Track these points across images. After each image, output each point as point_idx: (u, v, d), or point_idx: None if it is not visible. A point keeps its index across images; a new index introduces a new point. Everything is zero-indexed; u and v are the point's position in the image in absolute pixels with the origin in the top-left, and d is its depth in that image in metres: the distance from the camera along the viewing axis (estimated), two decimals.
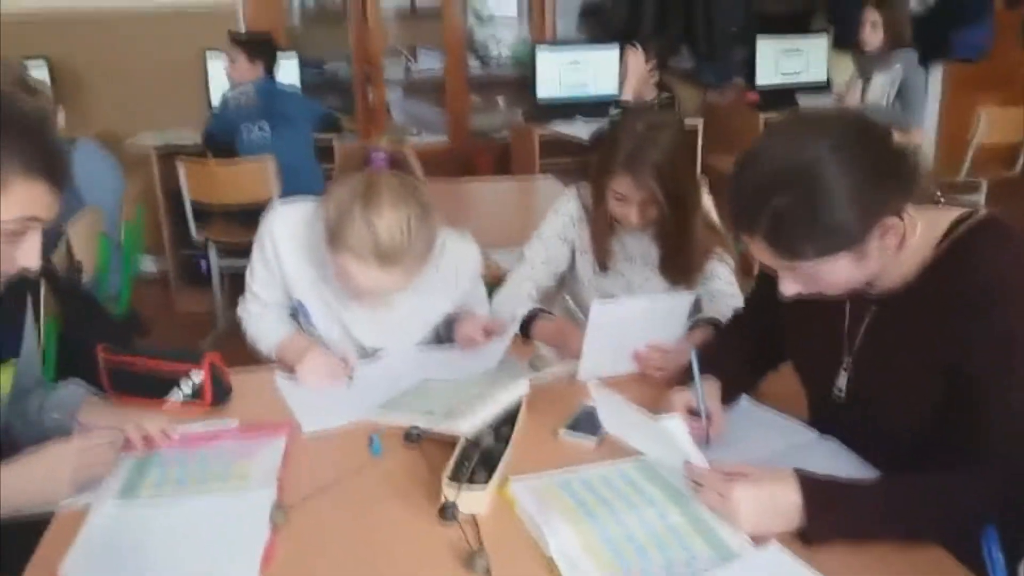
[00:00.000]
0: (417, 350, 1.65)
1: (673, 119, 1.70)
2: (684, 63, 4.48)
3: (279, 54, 4.14)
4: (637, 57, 3.60)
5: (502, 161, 4.73)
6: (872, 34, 3.69)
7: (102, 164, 2.80)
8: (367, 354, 1.62)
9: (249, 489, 1.18)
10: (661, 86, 3.74)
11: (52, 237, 2.18)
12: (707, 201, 1.85)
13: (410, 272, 1.42)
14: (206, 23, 4.19)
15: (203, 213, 3.69)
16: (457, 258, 1.63)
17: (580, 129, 4.11)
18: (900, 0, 3.87)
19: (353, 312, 1.59)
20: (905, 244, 1.08)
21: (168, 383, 1.40)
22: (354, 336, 1.62)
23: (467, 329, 1.61)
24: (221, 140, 3.67)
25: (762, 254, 1.09)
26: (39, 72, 4.05)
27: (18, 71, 2.33)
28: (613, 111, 3.68)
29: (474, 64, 4.79)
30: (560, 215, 1.85)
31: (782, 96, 4.46)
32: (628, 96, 3.64)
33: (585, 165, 1.78)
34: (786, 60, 4.54)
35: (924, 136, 4.01)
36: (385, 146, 1.45)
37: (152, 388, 1.41)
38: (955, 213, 1.13)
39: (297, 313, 1.63)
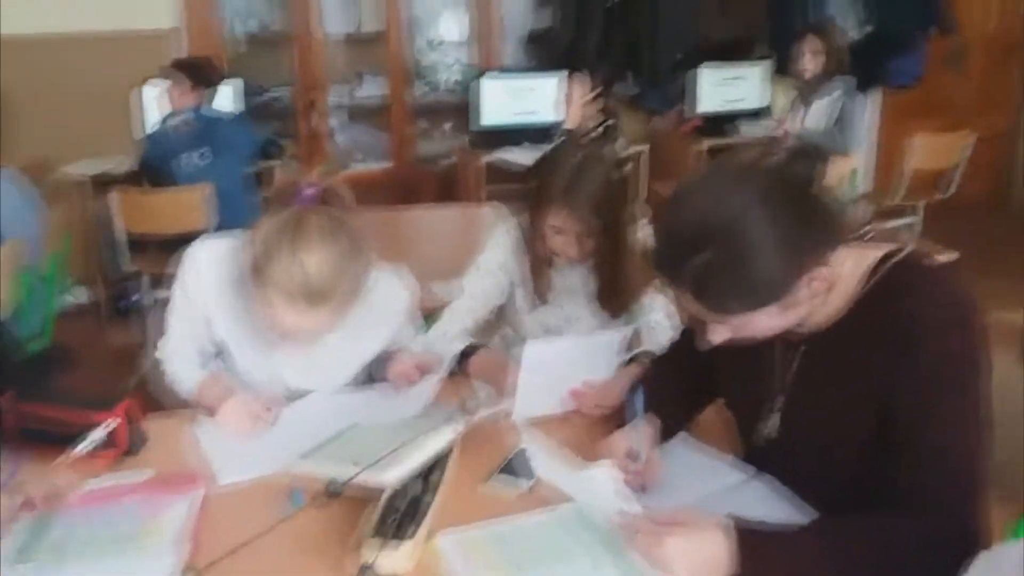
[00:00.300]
0: (348, 390, 1.59)
1: (608, 152, 1.69)
2: (628, 89, 4.51)
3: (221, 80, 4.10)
4: (579, 85, 3.63)
5: (447, 187, 4.69)
6: (811, 61, 3.76)
7: (20, 197, 2.69)
8: (295, 396, 1.55)
9: (160, 549, 1.11)
10: (605, 112, 3.76)
11: None
12: (648, 231, 1.83)
13: (339, 311, 1.37)
14: (144, 49, 4.07)
15: (137, 243, 3.57)
16: (390, 294, 1.58)
17: (525, 155, 4.10)
18: (838, 29, 3.96)
19: (280, 352, 1.52)
20: (833, 286, 1.07)
21: (78, 433, 1.32)
22: (281, 377, 1.56)
23: (400, 367, 1.56)
24: (158, 167, 3.57)
25: (688, 306, 1.07)
26: None
27: None
28: (557, 139, 3.69)
29: (420, 90, 4.75)
30: (498, 247, 1.82)
31: (723, 122, 4.52)
32: (570, 124, 3.66)
33: (526, 196, 1.74)
34: (728, 87, 4.60)
35: (861, 161, 4.08)
36: (316, 180, 1.40)
37: (61, 439, 1.32)
38: (883, 250, 1.12)
39: (220, 353, 1.56)
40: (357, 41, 4.67)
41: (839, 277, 1.07)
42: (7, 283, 2.44)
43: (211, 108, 3.64)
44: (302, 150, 4.56)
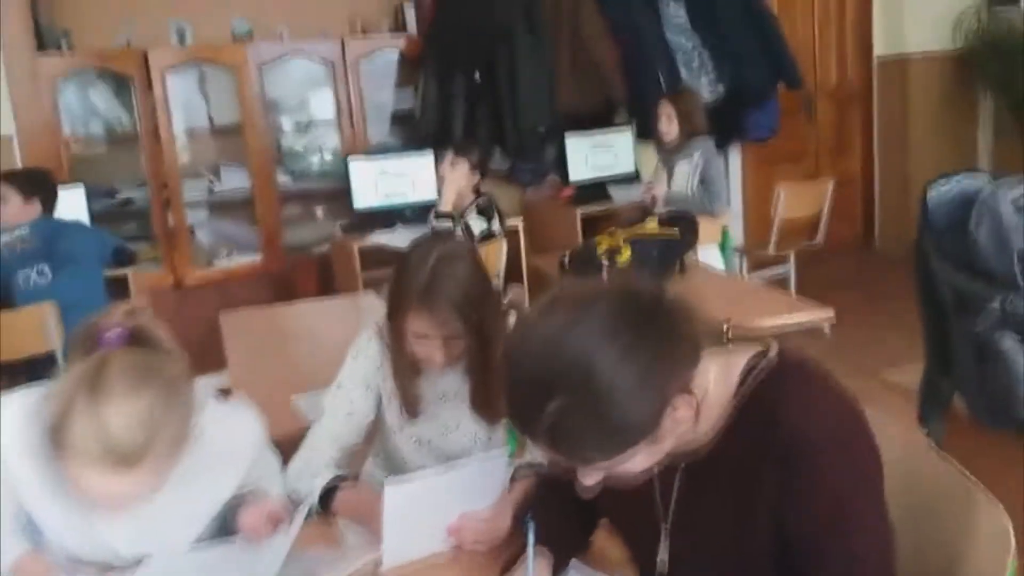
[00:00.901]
0: (192, 551, 1.38)
1: (464, 246, 1.58)
2: (498, 164, 4.49)
3: (61, 187, 3.81)
4: (451, 168, 3.56)
5: (324, 278, 4.51)
6: (668, 126, 3.83)
7: None
8: (128, 565, 1.33)
9: None
10: (478, 190, 3.69)
11: None
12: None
13: (158, 471, 1.19)
14: None
15: None
16: (231, 433, 1.40)
17: (399, 238, 3.99)
18: (691, 92, 4.06)
19: (104, 516, 1.31)
20: (699, 411, 0.97)
21: None
22: (111, 548, 1.34)
23: (249, 519, 1.37)
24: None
25: (548, 456, 0.96)
26: None
27: None
28: (433, 221, 3.59)
29: (284, 177, 4.58)
30: (360, 360, 1.66)
31: (595, 190, 4.56)
32: (446, 205, 3.58)
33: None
34: (596, 155, 4.65)
35: (730, 217, 4.16)
36: (121, 319, 1.22)
37: None
38: (747, 354, 1.04)
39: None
40: (212, 132, 4.47)
41: (705, 396, 0.98)
42: None
43: (51, 219, 3.36)
44: (162, 250, 4.30)
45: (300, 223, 4.73)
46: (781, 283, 4.31)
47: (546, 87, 4.37)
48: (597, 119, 4.62)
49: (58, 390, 1.17)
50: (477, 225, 3.61)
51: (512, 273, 3.88)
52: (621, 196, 4.51)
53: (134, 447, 1.13)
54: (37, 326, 3.10)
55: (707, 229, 3.67)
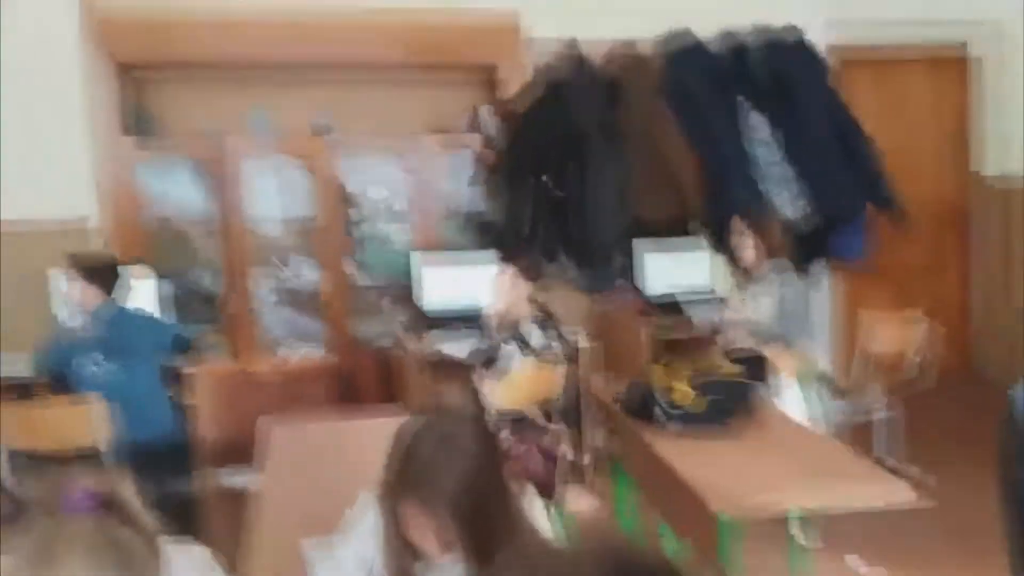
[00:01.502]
0: None
1: (469, 428, 1.42)
2: (564, 273, 4.36)
3: (135, 271, 3.88)
4: (504, 280, 3.45)
5: (387, 371, 4.44)
6: (745, 248, 3.63)
7: None
8: None
9: None
10: (540, 303, 3.55)
11: None
12: (538, 508, 1.56)
13: None
14: (56, 238, 3.86)
15: (27, 460, 3.23)
16: None
17: (462, 346, 3.87)
18: (772, 212, 3.87)
19: None
20: None
21: None
22: None
23: None
24: (55, 374, 3.31)
25: None
26: None
27: None
28: (483, 343, 3.47)
29: (353, 271, 4.57)
30: (355, 533, 1.52)
31: (668, 303, 4.36)
32: (498, 314, 3.46)
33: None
34: (670, 267, 4.49)
35: (815, 348, 3.87)
36: (90, 483, 1.12)
37: None
38: None
39: None
40: (285, 222, 4.52)
41: None
42: None
43: (112, 306, 3.36)
44: (227, 337, 4.31)
45: (367, 316, 4.69)
46: (867, 428, 3.97)
47: (618, 195, 4.24)
48: (671, 231, 4.46)
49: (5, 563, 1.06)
50: (536, 340, 3.46)
51: (574, 395, 3.71)
52: (699, 314, 4.28)
53: None
54: (81, 419, 3.09)
55: (785, 362, 3.43)
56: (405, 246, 4.60)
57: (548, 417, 3.50)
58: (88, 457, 3.11)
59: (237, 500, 4.06)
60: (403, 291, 4.58)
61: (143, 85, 4.35)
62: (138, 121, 4.21)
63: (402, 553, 1.44)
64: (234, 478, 4.23)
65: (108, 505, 1.12)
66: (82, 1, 3.98)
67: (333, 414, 4.25)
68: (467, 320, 4.13)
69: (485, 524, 1.34)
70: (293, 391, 4.38)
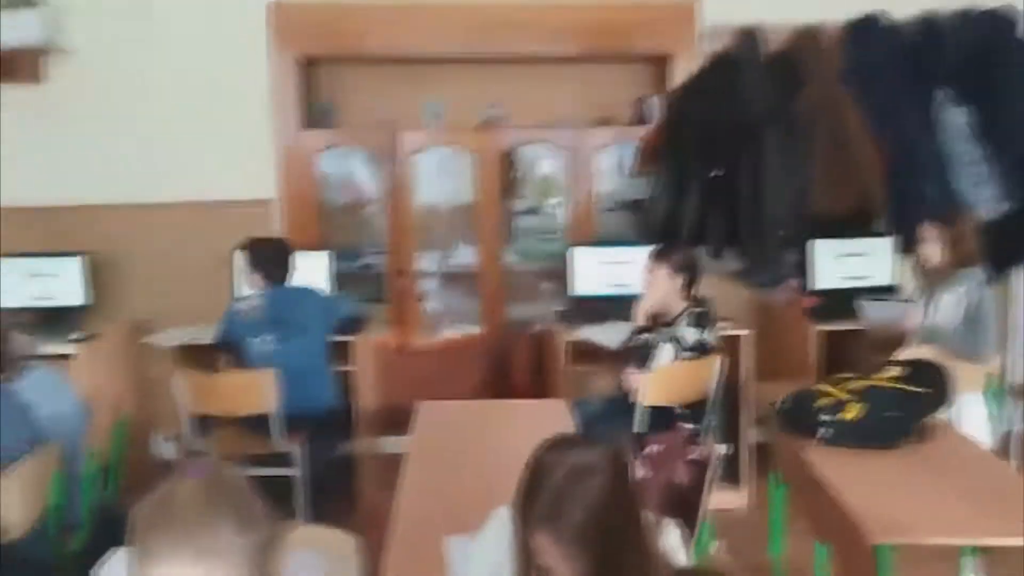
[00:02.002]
0: None
1: (603, 457, 1.35)
2: (729, 264, 4.18)
3: (311, 251, 4.11)
4: (656, 275, 3.35)
5: (537, 355, 4.48)
6: (933, 251, 3.32)
7: (62, 393, 2.66)
8: None
9: None
10: (695, 297, 3.43)
11: None
12: (675, 538, 1.49)
13: (231, 557, 1.17)
14: (242, 218, 4.17)
15: (206, 422, 3.52)
16: None
17: (609, 335, 3.83)
18: (966, 214, 3.51)
19: None
20: None
21: None
22: None
23: None
24: (232, 348, 3.56)
25: None
26: (72, 268, 4.12)
27: None
28: (633, 336, 3.40)
29: (511, 256, 4.63)
30: (489, 547, 1.52)
31: (841, 301, 4.07)
32: (641, 320, 3.38)
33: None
34: (846, 262, 4.19)
35: (1003, 360, 3.51)
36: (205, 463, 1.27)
37: None
38: None
39: None
40: (450, 209, 4.63)
41: None
42: (36, 491, 2.38)
43: (284, 288, 3.57)
44: (392, 314, 4.50)
45: (522, 301, 4.74)
46: None
47: (794, 187, 4.00)
48: (850, 226, 4.16)
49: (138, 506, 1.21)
50: (691, 335, 3.35)
51: (728, 394, 3.57)
52: (875, 314, 3.98)
53: (203, 524, 1.16)
54: (258, 389, 3.32)
55: (970, 375, 3.13)
56: (563, 234, 4.60)
57: (698, 417, 3.40)
58: (257, 421, 3.36)
59: (393, 465, 4.28)
60: (558, 278, 4.60)
61: (323, 78, 4.57)
62: (317, 112, 4.44)
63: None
64: (391, 445, 4.44)
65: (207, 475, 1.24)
66: (269, 2, 4.23)
67: (482, 395, 4.37)
68: (619, 310, 4.10)
69: (615, 558, 1.29)
70: (448, 368, 4.52)
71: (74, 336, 3.87)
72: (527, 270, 4.69)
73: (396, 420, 4.42)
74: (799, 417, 2.55)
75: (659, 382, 3.24)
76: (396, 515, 2.13)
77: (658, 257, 3.40)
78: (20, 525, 2.27)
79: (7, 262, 4.07)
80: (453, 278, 4.69)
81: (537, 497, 1.30)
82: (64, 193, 4.27)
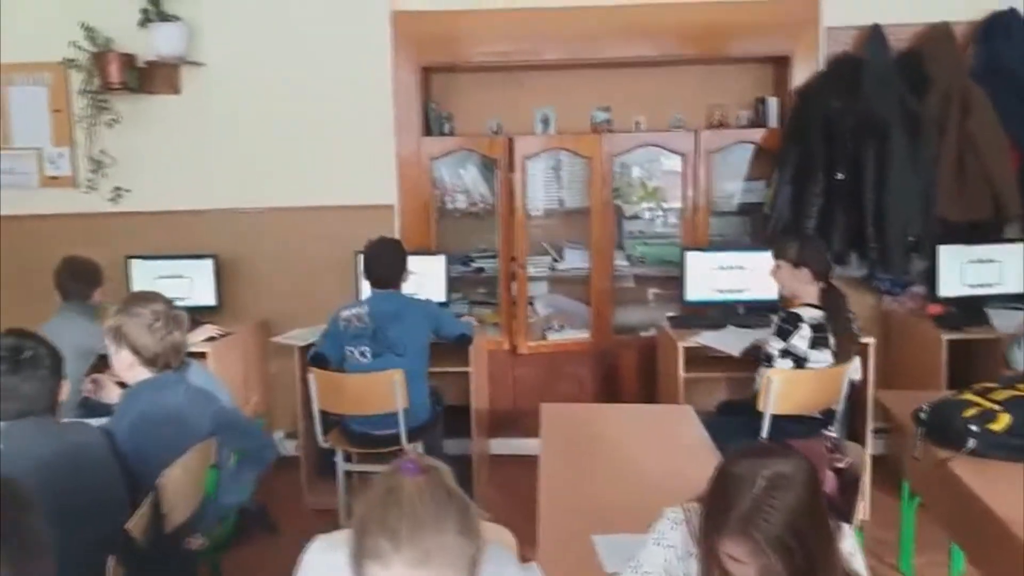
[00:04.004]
0: None
1: (801, 467, 1.37)
2: (853, 270, 4.08)
3: (426, 253, 4.21)
4: (779, 271, 3.32)
5: (646, 361, 4.46)
6: None
7: (214, 387, 2.80)
8: None
9: None
10: (826, 298, 3.35)
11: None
12: (850, 544, 1.48)
13: (454, 559, 1.16)
14: (365, 223, 4.25)
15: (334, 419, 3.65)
16: None
17: (728, 341, 3.80)
18: None
19: None
20: None
21: None
22: None
23: None
24: (329, 357, 3.59)
25: None
26: (205, 269, 4.34)
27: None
28: (778, 317, 3.34)
29: (622, 261, 4.62)
30: (662, 547, 1.54)
31: (969, 309, 3.93)
32: (773, 321, 3.33)
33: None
34: (975, 269, 4.04)
35: None
36: (416, 459, 1.25)
37: None
38: None
39: None
40: (560, 214, 4.66)
41: None
42: (199, 479, 2.51)
43: (393, 297, 3.55)
44: (503, 318, 4.56)
45: (631, 306, 4.73)
46: None
47: (921, 192, 3.88)
48: (980, 232, 4.01)
49: (354, 518, 1.21)
50: (815, 341, 3.28)
51: (855, 407, 3.48)
52: (1004, 322, 3.83)
53: (421, 535, 1.14)
54: (384, 389, 3.41)
55: None
56: (675, 239, 4.57)
57: (826, 424, 3.34)
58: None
59: (501, 465, 4.35)
60: (670, 282, 4.57)
61: (437, 85, 4.68)
62: (433, 119, 4.55)
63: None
64: (499, 446, 4.50)
65: (431, 476, 1.23)
66: (392, 14, 4.35)
67: (589, 399, 4.38)
68: (734, 316, 4.06)
69: (809, 564, 1.31)
70: (556, 372, 4.55)
71: (207, 335, 4.06)
72: (637, 275, 4.68)
73: (504, 422, 4.51)
74: (945, 427, 2.47)
75: (788, 388, 3.19)
76: (540, 512, 2.17)
77: (776, 252, 3.38)
78: (182, 513, 2.40)
79: (142, 264, 4.31)
80: (563, 282, 4.73)
81: (734, 504, 1.32)
82: (195, 198, 4.49)
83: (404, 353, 3.47)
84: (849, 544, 1.48)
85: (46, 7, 4.39)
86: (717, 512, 1.36)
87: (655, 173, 4.62)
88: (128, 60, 4.30)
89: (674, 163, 4.50)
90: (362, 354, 3.49)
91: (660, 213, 4.66)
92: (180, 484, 2.34)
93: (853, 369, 3.32)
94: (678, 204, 4.52)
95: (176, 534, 2.35)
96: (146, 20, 4.21)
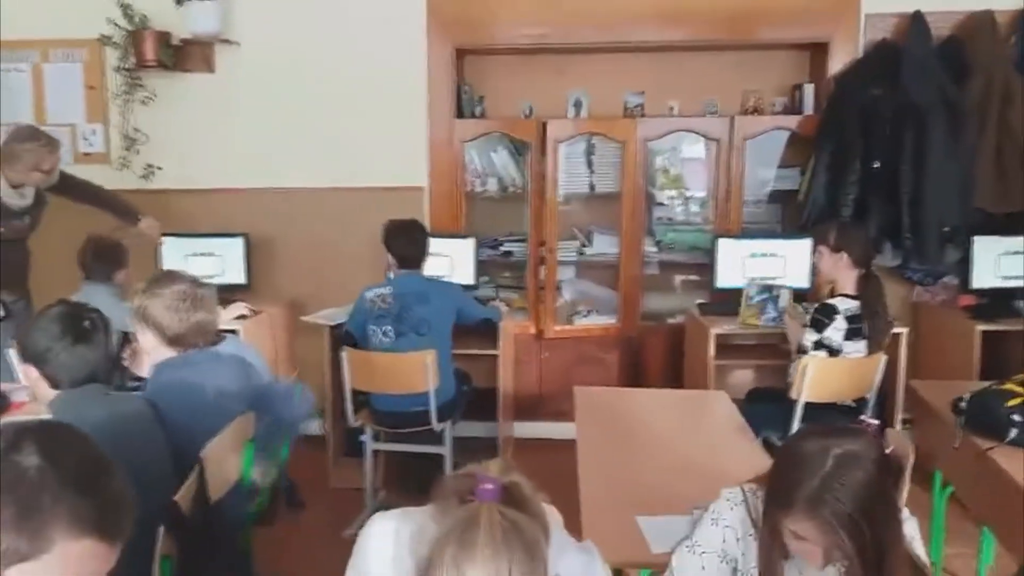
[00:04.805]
0: None
1: (869, 446, 1.37)
2: (886, 259, 4.06)
3: (456, 236, 4.21)
4: (820, 256, 3.31)
5: (673, 348, 4.46)
6: None
7: (252, 359, 2.81)
8: None
9: None
10: (864, 286, 3.33)
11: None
12: (911, 528, 1.48)
13: None
14: (396, 204, 4.25)
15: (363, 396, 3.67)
16: None
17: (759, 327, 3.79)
18: None
19: None
20: None
21: None
22: None
23: None
24: (355, 335, 3.63)
25: None
26: (236, 248, 4.36)
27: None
28: (813, 308, 3.33)
29: (651, 247, 4.61)
30: (720, 526, 1.54)
31: (1001, 301, 3.90)
32: (803, 309, 3.32)
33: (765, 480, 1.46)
34: (1009, 261, 4.00)
35: None
36: (496, 474, 1.23)
37: None
38: None
39: None
40: (590, 198, 4.64)
41: None
42: (238, 454, 2.52)
43: (416, 278, 3.57)
44: (530, 303, 4.56)
45: (659, 292, 4.72)
46: None
47: (959, 182, 3.85)
48: (1016, 223, 3.96)
49: (430, 537, 1.17)
50: (849, 329, 3.26)
51: (886, 393, 3.47)
52: None
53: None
54: (416, 368, 3.43)
55: None
56: (706, 225, 4.55)
57: (859, 413, 3.33)
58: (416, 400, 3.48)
59: (527, 448, 4.36)
60: (698, 268, 4.56)
61: (468, 67, 4.67)
62: (465, 101, 4.53)
63: (776, 557, 1.44)
64: (523, 429, 4.51)
65: (511, 495, 1.19)
66: None
67: (616, 384, 4.38)
68: (770, 302, 4.04)
69: (877, 543, 1.30)
70: (583, 356, 4.55)
71: (239, 312, 4.08)
72: (663, 261, 4.67)
73: (529, 406, 4.52)
74: (986, 417, 2.46)
75: (822, 375, 3.18)
76: (582, 494, 2.18)
77: (816, 238, 3.37)
78: (222, 488, 2.42)
79: (173, 241, 4.33)
80: (591, 267, 4.72)
81: (803, 482, 1.32)
82: (227, 177, 4.51)
83: (427, 333, 3.49)
84: (910, 528, 1.48)
85: None
86: (784, 490, 1.36)
87: (684, 159, 4.60)
88: (163, 38, 4.31)
89: (703, 149, 4.47)
90: (384, 334, 3.52)
91: (688, 199, 4.64)
92: (219, 458, 2.35)
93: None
94: (705, 191, 4.50)
95: (218, 507, 2.36)
96: None
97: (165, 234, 4.28)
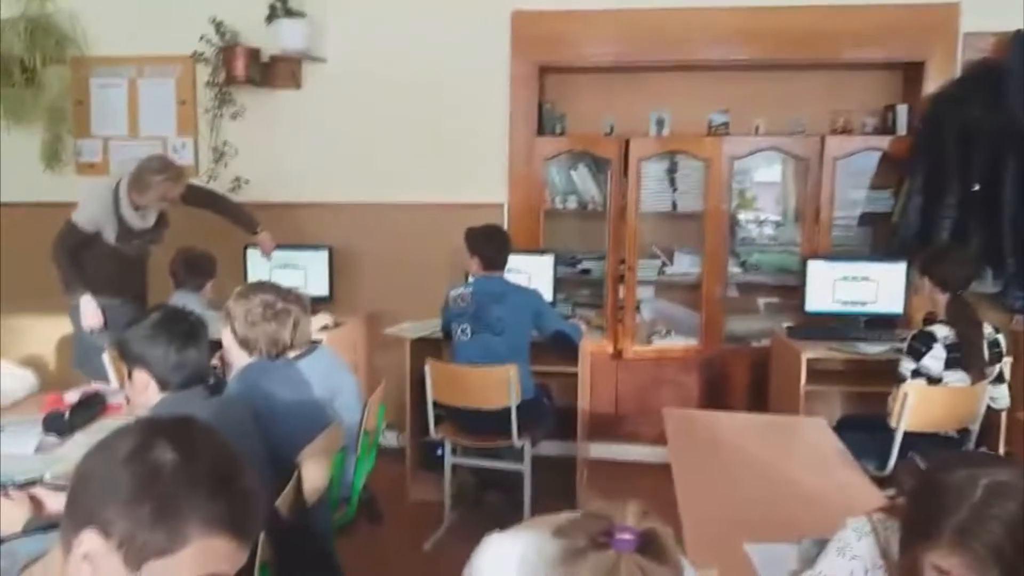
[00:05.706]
0: None
1: (1021, 476, 1.28)
2: (986, 286, 3.89)
3: (535, 252, 4.20)
4: (923, 288, 3.19)
5: (758, 372, 4.34)
6: None
7: (342, 372, 2.83)
8: None
9: None
10: (951, 311, 3.18)
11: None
12: None
13: None
14: (476, 220, 4.08)
15: (445, 411, 3.66)
16: None
17: (849, 352, 3.66)
18: None
19: None
20: None
21: None
22: None
23: None
24: (447, 332, 3.75)
25: None
26: (320, 260, 4.42)
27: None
28: (911, 336, 3.19)
29: (735, 268, 4.51)
30: (847, 557, 1.46)
31: None
32: (902, 336, 3.18)
33: (898, 510, 1.38)
34: None
35: None
36: (634, 521, 1.09)
37: None
38: None
39: None
40: (672, 216, 4.58)
41: None
42: (328, 463, 2.53)
43: (496, 281, 3.61)
44: (608, 321, 4.50)
45: (741, 314, 4.62)
46: None
47: None
48: None
49: None
50: (947, 357, 3.12)
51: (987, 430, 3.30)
52: None
53: None
54: (498, 382, 3.41)
55: None
56: (792, 247, 4.44)
57: (961, 444, 3.18)
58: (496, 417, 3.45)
59: (601, 470, 4.28)
60: (783, 291, 4.45)
61: (550, 85, 4.66)
62: (547, 119, 4.53)
63: None
64: (602, 450, 4.44)
65: (649, 543, 1.08)
66: (512, 13, 4.36)
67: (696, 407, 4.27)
68: (857, 327, 3.92)
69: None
70: (661, 378, 4.46)
71: (322, 324, 4.12)
72: (743, 283, 4.57)
73: (604, 426, 4.44)
74: None
75: (922, 404, 3.05)
76: (683, 519, 2.11)
77: (920, 273, 3.24)
78: (313, 496, 2.42)
79: (258, 253, 4.38)
80: (671, 287, 4.64)
81: (949, 513, 1.24)
82: (312, 190, 4.58)
83: (502, 332, 3.53)
84: None
85: (178, 1, 4.54)
86: (926, 522, 1.27)
87: (773, 179, 4.50)
88: (253, 54, 4.42)
89: (795, 169, 4.37)
90: (463, 332, 3.60)
91: (762, 221, 4.54)
92: (311, 466, 2.35)
93: (1000, 396, 3.16)
94: (779, 214, 4.39)
95: (311, 514, 2.37)
96: (273, 15, 4.32)
97: (251, 246, 4.36)
